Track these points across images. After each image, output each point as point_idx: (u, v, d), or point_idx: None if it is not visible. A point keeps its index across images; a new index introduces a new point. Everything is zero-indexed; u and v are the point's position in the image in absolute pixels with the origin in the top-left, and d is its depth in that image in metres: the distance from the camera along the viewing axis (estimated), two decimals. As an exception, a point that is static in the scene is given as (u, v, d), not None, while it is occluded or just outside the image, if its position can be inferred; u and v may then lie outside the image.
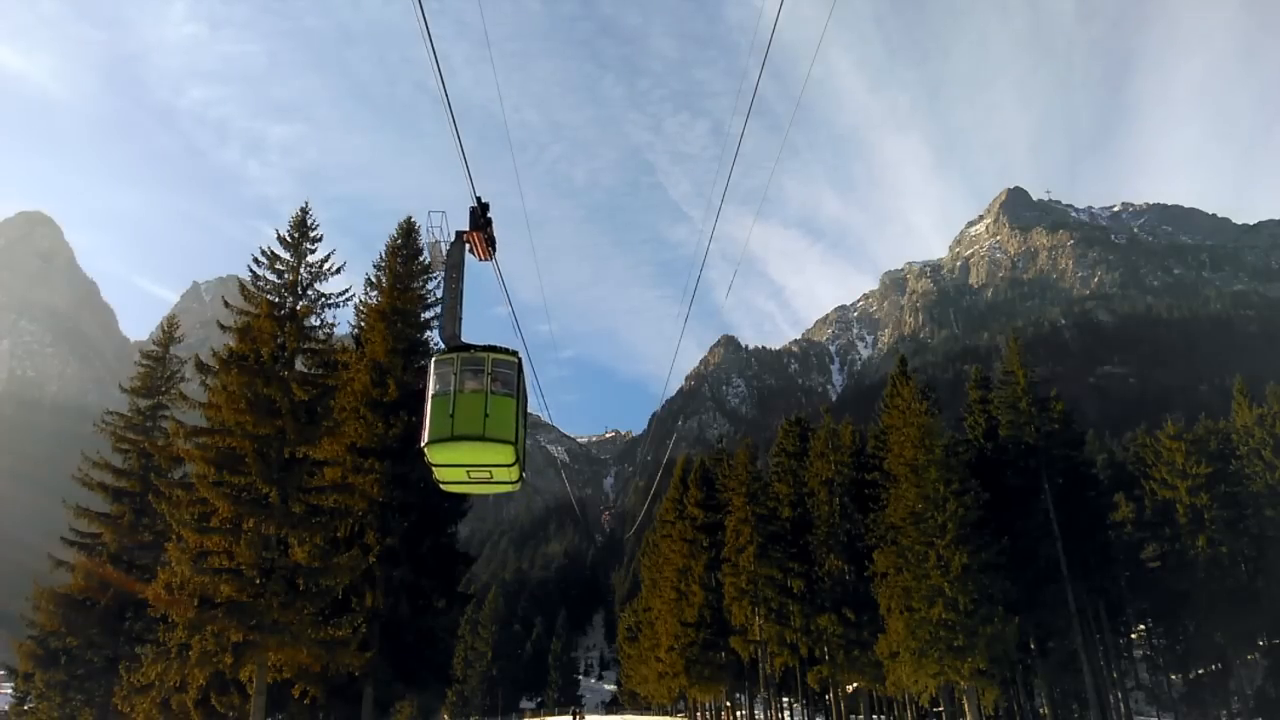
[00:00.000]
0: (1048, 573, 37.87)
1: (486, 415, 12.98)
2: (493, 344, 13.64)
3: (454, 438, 12.90)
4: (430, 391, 13.46)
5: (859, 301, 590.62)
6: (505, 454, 13.30)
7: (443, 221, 14.78)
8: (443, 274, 14.24)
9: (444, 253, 14.38)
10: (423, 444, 13.15)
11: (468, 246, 14.35)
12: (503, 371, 13.49)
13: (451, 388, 13.17)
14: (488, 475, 14.11)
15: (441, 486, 15.08)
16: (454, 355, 13.36)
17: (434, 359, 13.87)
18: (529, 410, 15.34)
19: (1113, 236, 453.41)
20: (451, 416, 12.97)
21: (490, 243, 14.58)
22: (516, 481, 14.43)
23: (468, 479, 14.38)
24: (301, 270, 25.71)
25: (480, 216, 14.33)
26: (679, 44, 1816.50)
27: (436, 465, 13.67)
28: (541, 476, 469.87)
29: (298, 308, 25.26)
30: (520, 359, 13.85)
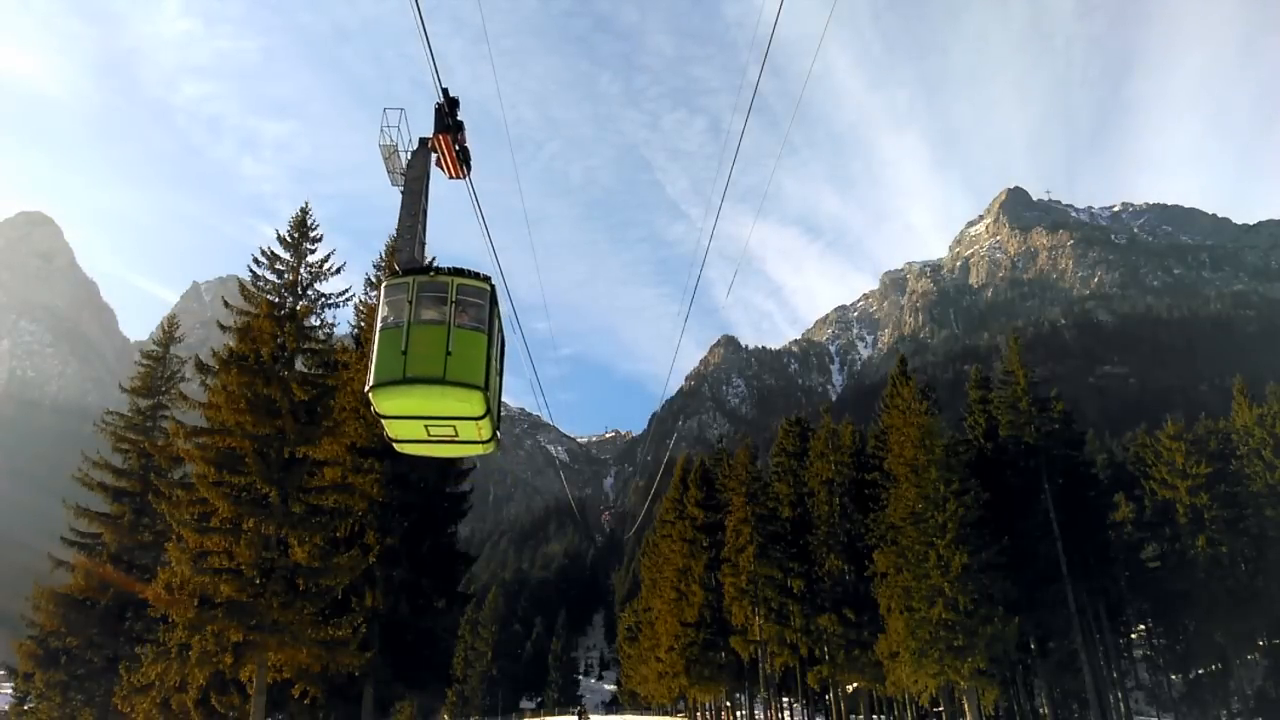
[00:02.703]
0: (1048, 573, 37.86)
1: (449, 353, 10.55)
2: (460, 266, 11.16)
3: (406, 380, 10.43)
4: (378, 324, 11.01)
5: (859, 301, 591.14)
6: (472, 403, 10.76)
7: (402, 121, 11.98)
8: (402, 189, 11.67)
9: (404, 164, 11.84)
10: (367, 388, 10.70)
11: (434, 157, 11.94)
12: (471, 300, 11.03)
13: (405, 318, 10.73)
14: (451, 432, 11.46)
15: (394, 446, 12.32)
16: (409, 278, 10.92)
17: (385, 284, 11.26)
18: (505, 354, 12.64)
19: (1113, 236, 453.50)
20: (404, 354, 10.53)
21: (463, 157, 12.11)
22: (489, 441, 11.79)
23: (427, 436, 11.62)
24: (301, 270, 25.71)
25: (448, 116, 11.77)
26: (676, 40, 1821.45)
27: (386, 417, 11.13)
28: (541, 476, 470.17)
29: (298, 308, 25.26)
30: (494, 287, 11.37)
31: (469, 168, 12.22)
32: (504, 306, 11.96)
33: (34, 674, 30.60)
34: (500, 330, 11.80)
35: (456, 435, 11.55)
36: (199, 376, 25.04)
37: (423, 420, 11.19)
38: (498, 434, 11.82)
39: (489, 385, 10.85)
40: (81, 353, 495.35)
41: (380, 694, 28.34)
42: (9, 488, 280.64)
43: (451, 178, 12.35)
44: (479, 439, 11.66)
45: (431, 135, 11.86)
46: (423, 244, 11.45)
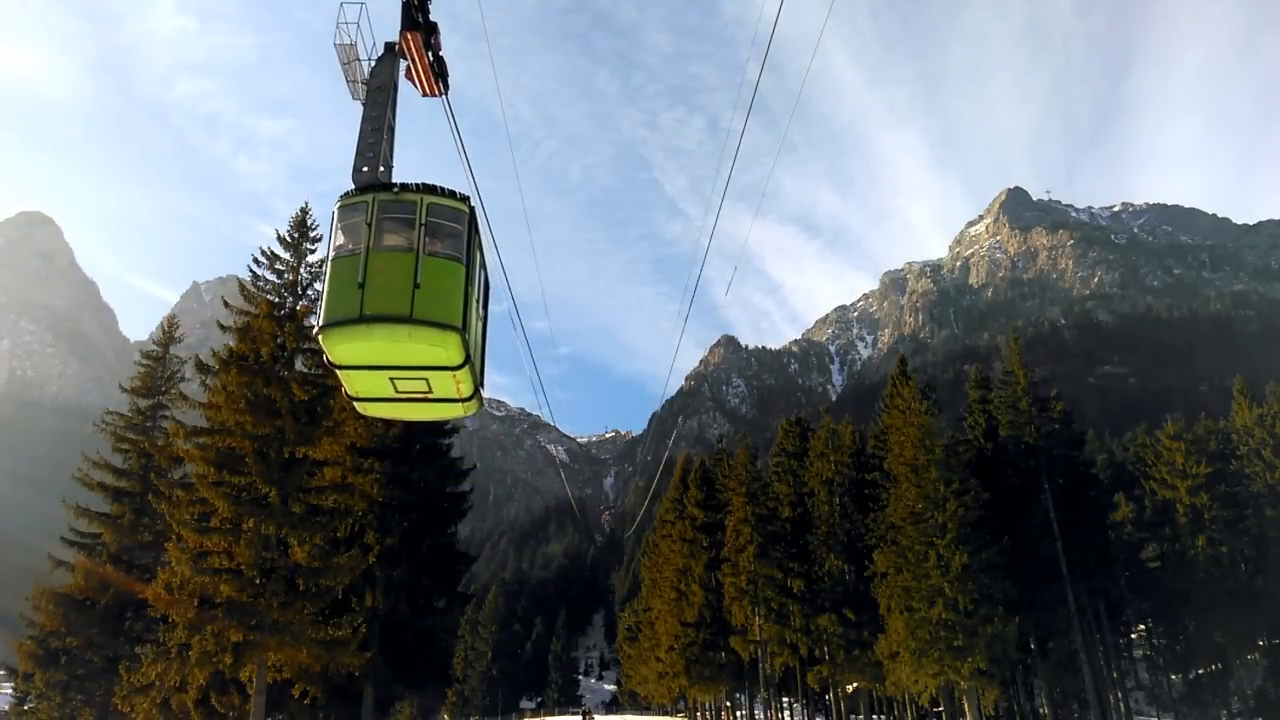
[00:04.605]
0: (1048, 573, 37.87)
1: (417, 286, 8.65)
2: (431, 183, 9.28)
3: (364, 319, 8.55)
4: (330, 253, 9.18)
5: (859, 301, 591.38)
6: (447, 348, 8.79)
7: (362, 16, 9.95)
8: (363, 100, 9.81)
9: (366, 72, 10.01)
10: (316, 330, 8.97)
11: (404, 66, 10.02)
12: (446, 224, 9.17)
13: (363, 244, 8.86)
14: (424, 387, 9.46)
15: (356, 407, 10.32)
16: (368, 196, 9.05)
17: (338, 204, 9.28)
18: (490, 290, 10.54)
19: (1113, 236, 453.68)
20: (361, 287, 8.62)
21: (439, 69, 10.16)
22: (470, 399, 9.81)
23: (394, 393, 9.61)
24: (301, 270, 25.71)
25: (418, 11, 9.85)
26: (674, 38, 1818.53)
27: (342, 368, 9.19)
28: (541, 476, 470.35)
29: (298, 308, 25.27)
30: (473, 209, 9.48)
31: (446, 84, 10.26)
32: (505, 303, 11.09)
33: (34, 674, 30.60)
34: (483, 265, 9.93)
35: (430, 392, 9.57)
36: (199, 376, 25.04)
37: (388, 371, 9.23)
38: (481, 391, 9.95)
39: (467, 326, 9.00)
40: (81, 353, 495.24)
41: (380, 694, 28.36)
42: (9, 488, 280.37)
43: (425, 94, 10.32)
44: (458, 396, 9.65)
45: (399, 36, 9.81)
46: (389, 165, 9.63)
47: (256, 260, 25.53)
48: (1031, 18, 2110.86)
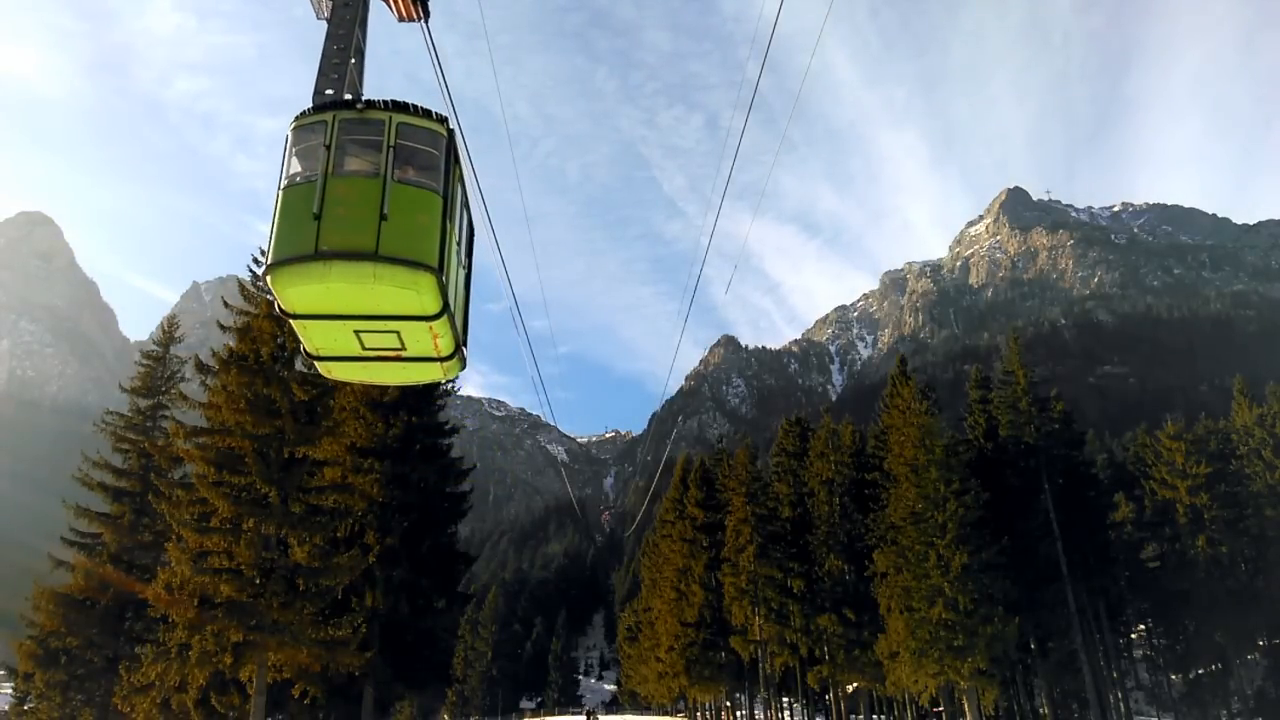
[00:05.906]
0: (1048, 573, 37.87)
1: (384, 218, 7.24)
2: (402, 100, 7.87)
3: (319, 255, 7.07)
4: (281, 181, 7.69)
5: (859, 301, 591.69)
6: (419, 291, 7.33)
7: None
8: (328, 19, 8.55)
9: None
10: (263, 272, 7.53)
11: None
12: (419, 148, 7.77)
13: (320, 168, 7.45)
14: (395, 343, 8.00)
15: (318, 367, 8.78)
16: (327, 115, 7.67)
17: (292, 127, 7.84)
18: (474, 231, 9.20)
19: (1113, 236, 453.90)
20: (316, 218, 7.21)
21: None
22: (451, 357, 8.35)
23: (360, 350, 8.12)
24: (301, 270, 25.66)
25: None
26: (673, 36, 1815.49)
27: (296, 317, 7.70)
28: (541, 476, 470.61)
29: (298, 308, 25.19)
30: (452, 132, 8.06)
31: (426, 8, 9.05)
32: (505, 302, 10.56)
33: (34, 674, 30.56)
34: (465, 202, 8.53)
35: (403, 349, 8.10)
36: (199, 376, 25.04)
37: (351, 322, 7.71)
38: (464, 350, 8.46)
39: (445, 268, 7.50)
40: (81, 353, 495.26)
41: (380, 694, 28.34)
42: (9, 488, 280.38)
43: (401, 19, 9.12)
44: (436, 354, 8.18)
45: None
46: (358, 91, 8.26)
47: (256, 260, 25.61)
48: (1031, 16, 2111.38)
